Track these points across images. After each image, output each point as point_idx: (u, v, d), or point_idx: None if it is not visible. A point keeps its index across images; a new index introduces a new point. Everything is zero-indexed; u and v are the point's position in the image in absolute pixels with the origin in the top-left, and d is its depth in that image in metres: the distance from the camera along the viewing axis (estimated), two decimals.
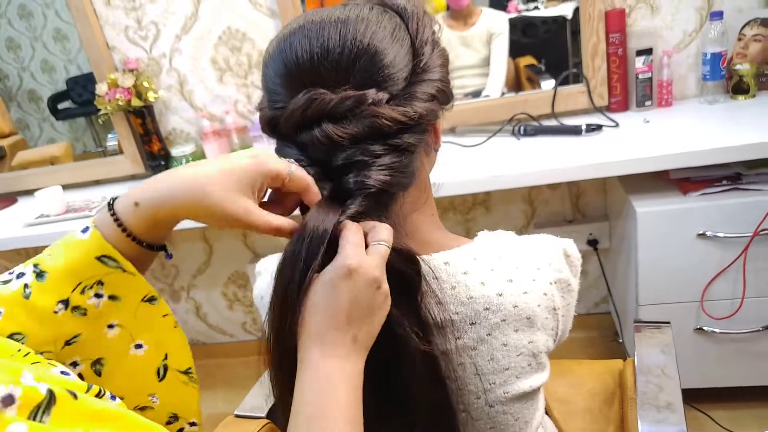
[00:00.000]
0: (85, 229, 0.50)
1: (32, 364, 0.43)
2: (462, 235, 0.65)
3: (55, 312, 0.48)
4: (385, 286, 0.49)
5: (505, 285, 0.58)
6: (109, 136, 2.01)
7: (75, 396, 0.37)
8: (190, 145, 1.84)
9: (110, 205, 0.51)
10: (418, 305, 0.54)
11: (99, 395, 0.41)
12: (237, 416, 1.03)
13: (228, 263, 2.14)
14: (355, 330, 0.48)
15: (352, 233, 0.49)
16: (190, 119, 1.90)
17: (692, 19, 1.55)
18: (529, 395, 0.61)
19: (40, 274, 0.49)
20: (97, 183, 2.03)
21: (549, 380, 0.64)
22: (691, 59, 1.59)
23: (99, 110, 1.79)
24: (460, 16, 1.72)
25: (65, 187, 1.86)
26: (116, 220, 0.50)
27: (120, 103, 1.74)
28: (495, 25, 1.71)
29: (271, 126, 0.56)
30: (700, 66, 1.54)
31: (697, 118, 1.46)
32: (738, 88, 1.51)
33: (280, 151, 0.56)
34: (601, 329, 1.94)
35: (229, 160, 0.50)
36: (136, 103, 1.76)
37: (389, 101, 0.52)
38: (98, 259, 0.49)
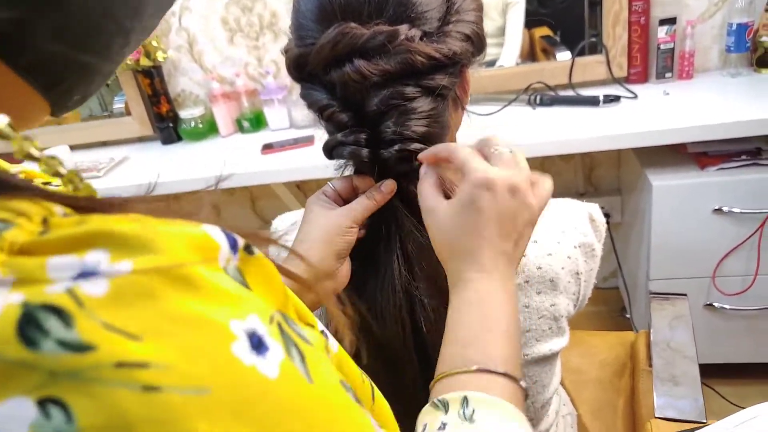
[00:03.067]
0: None
1: None
2: None
3: None
4: (525, 188, 0.47)
5: (530, 246, 0.57)
6: (116, 98, 1.98)
7: None
8: (199, 108, 1.81)
9: None
10: None
11: None
12: None
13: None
14: (509, 244, 0.46)
15: (459, 150, 0.48)
16: (199, 81, 1.87)
17: None
18: (548, 359, 0.61)
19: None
20: (104, 144, 2.01)
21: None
22: (716, 30, 1.54)
23: None
24: None
25: (72, 147, 1.85)
26: None
27: (128, 62, 1.71)
28: None
29: (298, 65, 0.54)
30: (725, 37, 1.50)
31: (719, 92, 1.43)
32: (762, 61, 1.47)
33: (306, 96, 0.55)
34: (608, 304, 1.94)
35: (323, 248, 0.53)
36: (144, 62, 1.72)
37: (422, 38, 0.51)
38: None
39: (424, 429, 0.39)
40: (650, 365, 0.84)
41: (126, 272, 0.19)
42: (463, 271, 0.46)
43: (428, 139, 0.52)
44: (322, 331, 0.33)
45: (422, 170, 0.51)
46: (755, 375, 1.51)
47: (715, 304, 1.39)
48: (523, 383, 0.43)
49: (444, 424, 0.38)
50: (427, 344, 0.52)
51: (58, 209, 0.20)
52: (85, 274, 0.18)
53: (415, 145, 0.51)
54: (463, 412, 0.39)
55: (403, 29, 0.49)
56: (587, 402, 0.93)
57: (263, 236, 0.28)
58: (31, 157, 0.25)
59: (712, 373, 1.50)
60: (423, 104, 0.51)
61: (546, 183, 0.49)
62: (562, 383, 0.90)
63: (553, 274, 0.57)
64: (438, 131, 0.54)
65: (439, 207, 0.47)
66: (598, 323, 1.89)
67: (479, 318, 0.44)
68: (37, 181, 0.28)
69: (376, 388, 0.38)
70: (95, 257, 0.19)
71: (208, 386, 0.18)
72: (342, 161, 0.57)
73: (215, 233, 0.24)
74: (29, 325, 0.17)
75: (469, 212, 0.46)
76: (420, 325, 0.52)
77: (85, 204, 0.21)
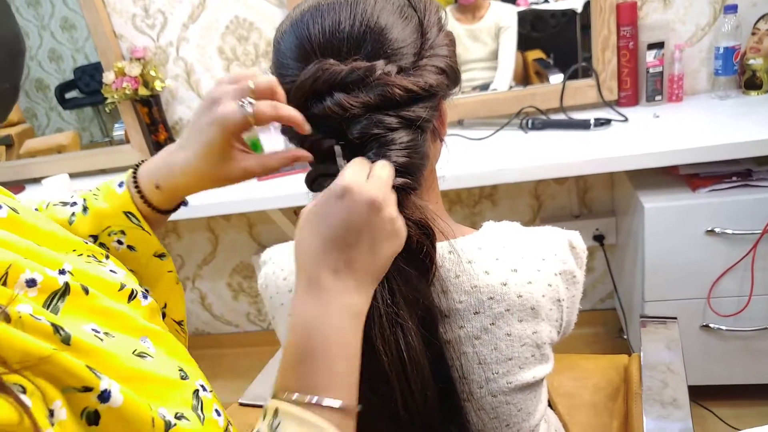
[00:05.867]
0: (121, 184, 0.60)
1: (88, 255, 0.53)
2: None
3: (85, 242, 0.56)
4: (391, 212, 0.47)
5: (510, 274, 0.57)
6: (116, 125, 2.02)
7: (87, 291, 0.45)
8: None
9: (134, 178, 0.59)
10: (430, 281, 0.54)
11: (132, 296, 0.52)
12: (241, 404, 1.03)
13: (233, 254, 2.14)
14: (348, 256, 0.46)
15: (355, 162, 0.49)
16: (196, 109, 1.89)
17: (705, 12, 1.53)
18: (532, 386, 0.61)
19: (84, 209, 0.59)
20: (103, 172, 2.03)
21: (554, 374, 0.64)
22: (704, 53, 1.57)
23: (106, 99, 1.79)
24: (468, 9, 1.71)
25: (72, 175, 1.86)
26: (139, 191, 0.59)
27: (127, 91, 1.74)
28: (503, 18, 1.70)
29: None
30: (713, 60, 1.52)
31: (708, 114, 1.45)
32: (751, 84, 1.49)
33: (287, 131, 0.56)
34: (606, 325, 1.94)
35: (196, 140, 0.55)
36: (143, 92, 1.75)
37: (399, 73, 0.52)
38: (125, 213, 0.59)
39: None
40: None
41: None
42: (298, 277, 0.47)
43: (409, 171, 0.53)
44: (104, 392, 0.38)
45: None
46: (752, 396, 1.50)
47: (711, 326, 1.39)
48: (336, 403, 0.43)
49: (258, 431, 0.43)
50: (407, 367, 0.53)
51: None
52: None
53: (396, 179, 0.52)
54: (272, 423, 0.42)
55: (380, 65, 0.51)
56: (581, 426, 0.93)
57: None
58: None
59: (709, 394, 1.49)
60: (402, 135, 0.53)
61: (378, 170, 0.49)
62: (555, 408, 0.90)
63: (534, 302, 0.58)
64: (418, 162, 0.55)
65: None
66: (596, 345, 1.89)
67: (305, 342, 0.45)
68: None
69: (175, 427, 0.42)
70: None
71: None
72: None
73: None
74: None
75: (319, 215, 0.47)
76: (401, 348, 0.53)
77: None
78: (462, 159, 1.43)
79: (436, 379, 0.54)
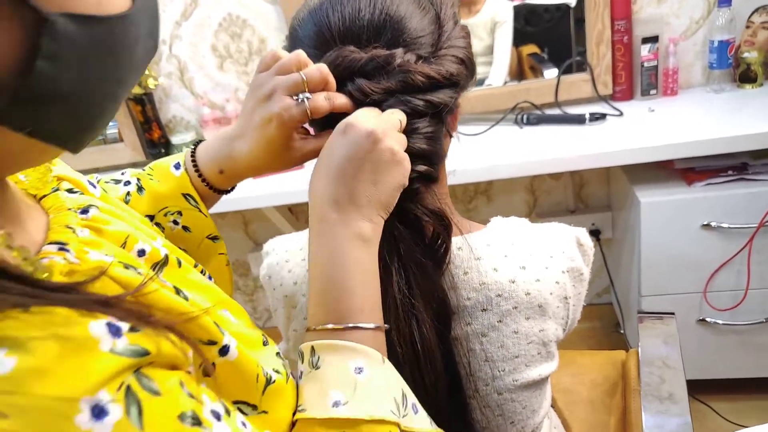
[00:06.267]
0: (177, 165, 0.61)
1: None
2: None
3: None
4: (391, 144, 0.48)
5: (518, 272, 0.57)
6: (110, 124, 2.00)
7: (179, 264, 0.47)
8: (190, 133, 1.82)
9: (194, 161, 0.60)
10: (442, 274, 0.54)
11: (203, 272, 0.53)
12: None
13: (229, 252, 2.12)
14: (351, 188, 0.47)
15: (364, 108, 0.51)
16: (190, 107, 1.88)
17: (699, 5, 1.52)
18: (538, 384, 0.61)
19: (140, 189, 0.61)
20: (96, 170, 2.01)
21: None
22: (698, 47, 1.56)
23: None
24: (464, 3, 1.70)
25: None
26: (200, 176, 0.60)
27: None
28: (499, 13, 1.69)
29: None
30: (707, 54, 1.52)
31: (703, 108, 1.44)
32: (745, 77, 1.49)
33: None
34: (602, 320, 1.94)
35: (255, 134, 0.54)
36: (136, 90, 1.74)
37: (418, 62, 0.53)
38: (183, 195, 0.61)
39: (300, 377, 0.47)
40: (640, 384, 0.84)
41: (7, 369, 0.27)
42: (310, 210, 0.50)
43: (430, 160, 0.53)
44: (225, 347, 0.41)
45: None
46: (750, 390, 1.51)
47: (708, 320, 1.39)
48: (371, 325, 0.46)
49: (301, 373, 0.46)
50: (421, 358, 0.53)
51: None
52: None
53: (419, 166, 0.52)
54: (312, 361, 0.45)
55: (399, 53, 0.51)
56: (579, 422, 0.93)
57: (148, 318, 0.34)
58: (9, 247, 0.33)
59: (707, 389, 1.49)
60: (425, 124, 0.53)
61: (386, 113, 0.51)
62: (554, 405, 0.90)
63: (542, 299, 0.58)
64: (439, 151, 0.55)
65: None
66: (592, 340, 1.89)
67: (324, 274, 0.47)
68: None
69: (274, 383, 0.44)
70: None
71: None
72: None
73: (96, 330, 0.30)
74: None
75: (325, 151, 0.50)
76: (415, 340, 0.53)
77: (10, 299, 0.29)
78: (457, 155, 1.42)
79: (447, 374, 0.54)
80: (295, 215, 1.93)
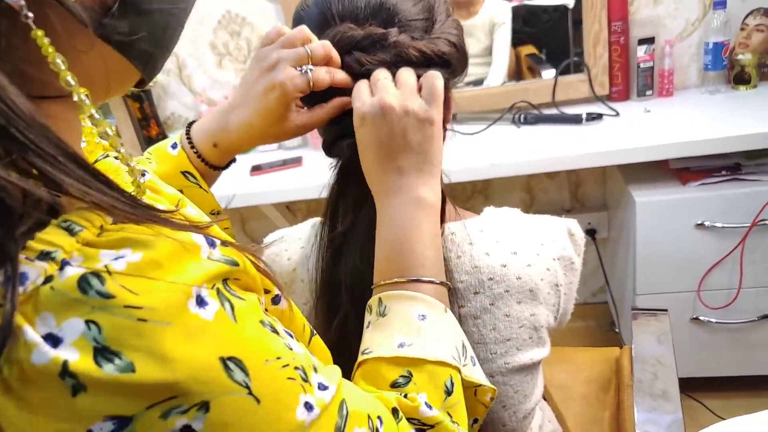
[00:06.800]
0: (174, 146, 0.63)
1: None
2: None
3: None
4: (406, 105, 0.51)
5: (510, 257, 0.59)
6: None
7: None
8: None
9: (189, 138, 0.63)
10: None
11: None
12: None
13: None
14: (396, 165, 0.52)
15: (380, 71, 0.54)
16: (188, 104, 1.89)
17: (695, 8, 1.54)
18: (529, 368, 0.62)
19: (142, 174, 0.62)
20: None
21: (547, 366, 0.65)
22: (693, 49, 1.58)
23: None
24: (462, 5, 1.70)
25: None
26: (196, 152, 0.63)
27: None
28: (498, 14, 1.69)
29: None
30: (702, 56, 1.53)
31: (698, 108, 1.46)
32: (740, 79, 1.51)
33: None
34: (598, 319, 1.95)
35: (255, 102, 0.57)
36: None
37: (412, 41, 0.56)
38: (182, 173, 0.63)
39: (367, 327, 0.51)
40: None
41: (136, 260, 0.31)
42: (372, 187, 0.55)
43: None
44: (276, 296, 0.45)
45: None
46: (742, 388, 1.52)
47: (702, 318, 1.41)
48: (432, 279, 0.50)
49: (369, 323, 0.51)
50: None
51: (110, 219, 0.33)
52: (116, 258, 0.31)
53: None
54: (379, 310, 0.50)
55: (394, 32, 0.55)
56: (574, 417, 0.94)
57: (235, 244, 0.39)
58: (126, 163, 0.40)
59: (699, 386, 1.51)
60: None
61: (430, 79, 0.54)
62: (548, 400, 0.91)
63: (533, 284, 0.59)
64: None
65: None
66: (588, 339, 1.90)
67: (386, 237, 0.52)
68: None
69: (316, 336, 0.50)
70: (124, 252, 0.32)
71: (172, 322, 0.31)
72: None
73: (198, 238, 0.35)
74: (83, 281, 0.30)
75: (364, 131, 0.53)
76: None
77: (130, 216, 0.33)
78: (454, 154, 1.43)
79: None
80: (293, 212, 1.94)
